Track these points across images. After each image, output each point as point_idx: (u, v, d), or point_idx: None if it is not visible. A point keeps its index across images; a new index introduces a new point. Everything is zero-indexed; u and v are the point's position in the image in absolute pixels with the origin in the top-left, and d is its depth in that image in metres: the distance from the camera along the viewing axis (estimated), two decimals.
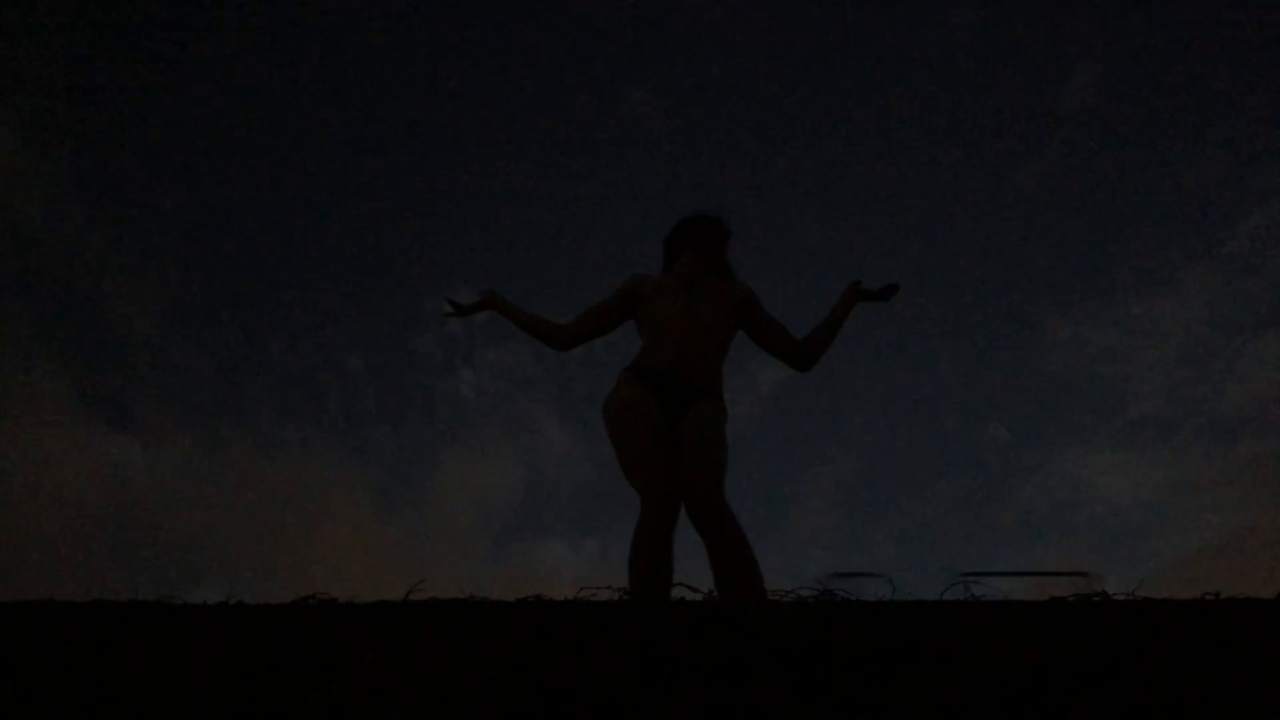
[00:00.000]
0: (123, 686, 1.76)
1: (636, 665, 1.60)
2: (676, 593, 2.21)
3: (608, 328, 2.17)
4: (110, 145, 7.02)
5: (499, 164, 7.50)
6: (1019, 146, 7.06)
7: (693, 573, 2.18)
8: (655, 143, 7.49)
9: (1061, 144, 6.88)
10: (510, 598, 2.33)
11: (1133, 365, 6.79)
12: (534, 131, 7.54)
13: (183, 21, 6.83)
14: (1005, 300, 7.15)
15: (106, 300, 7.04)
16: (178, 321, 7.18)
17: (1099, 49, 6.74)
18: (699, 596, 2.21)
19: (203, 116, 7.14)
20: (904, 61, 7.18)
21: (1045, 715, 1.53)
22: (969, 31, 7.00)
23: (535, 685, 1.69)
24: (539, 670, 1.75)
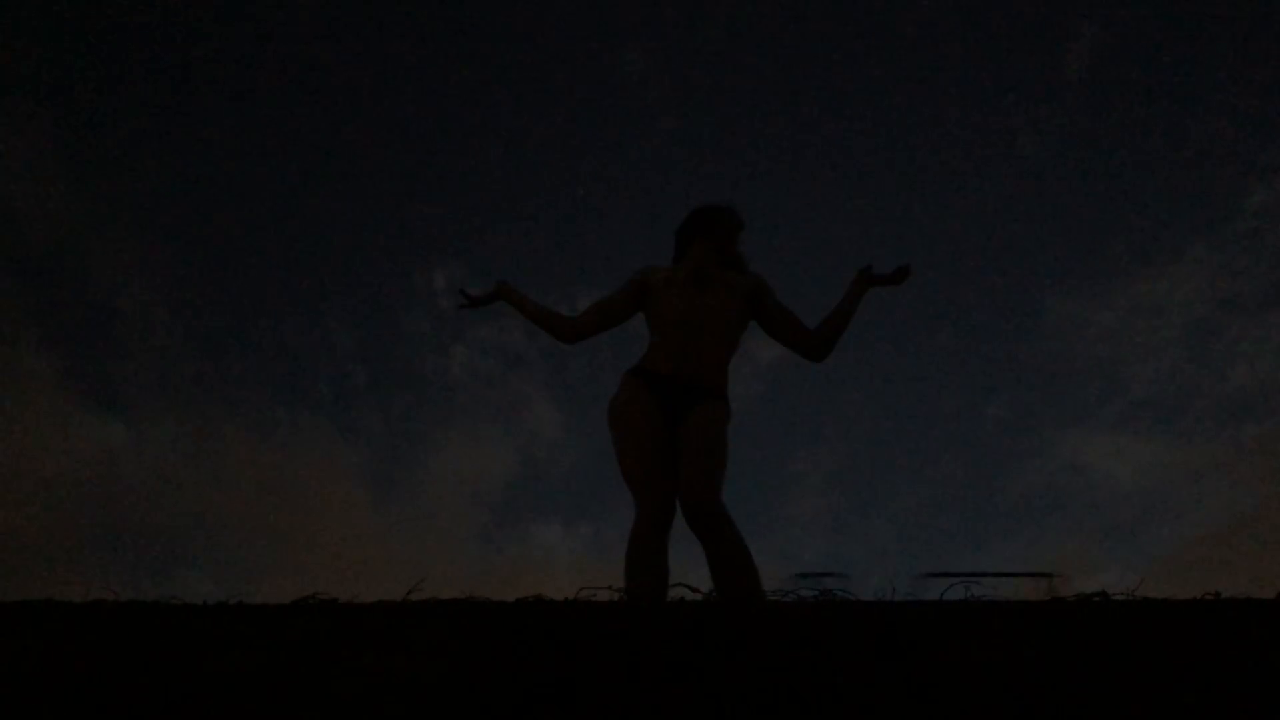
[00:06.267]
0: (123, 686, 1.76)
1: (636, 665, 1.60)
2: (676, 593, 2.21)
3: (617, 320, 2.16)
4: (97, 124, 7.00)
5: (487, 133, 7.47)
6: (1018, 115, 6.99)
7: (693, 573, 2.18)
8: (648, 104, 7.44)
9: (1061, 116, 6.82)
10: (508, 590, 2.33)
11: (1134, 346, 6.76)
12: (523, 97, 7.49)
13: None
14: (1004, 278, 7.11)
15: (92, 279, 7.01)
16: (164, 300, 7.16)
17: (1100, 12, 6.66)
18: (699, 597, 2.21)
19: (190, 95, 7.13)
20: (901, 26, 7.12)
21: (1045, 715, 1.53)
22: None
23: (535, 685, 1.69)
24: (539, 670, 1.75)
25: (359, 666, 1.82)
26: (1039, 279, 7.21)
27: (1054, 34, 6.97)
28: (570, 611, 2.16)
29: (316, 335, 7.44)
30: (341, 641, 1.97)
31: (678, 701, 1.52)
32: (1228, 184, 6.57)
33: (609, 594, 2.26)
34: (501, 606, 2.27)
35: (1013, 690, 1.62)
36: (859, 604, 2.20)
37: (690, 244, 2.16)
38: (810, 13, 7.39)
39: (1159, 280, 6.83)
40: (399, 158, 7.62)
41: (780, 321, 2.10)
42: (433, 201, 7.58)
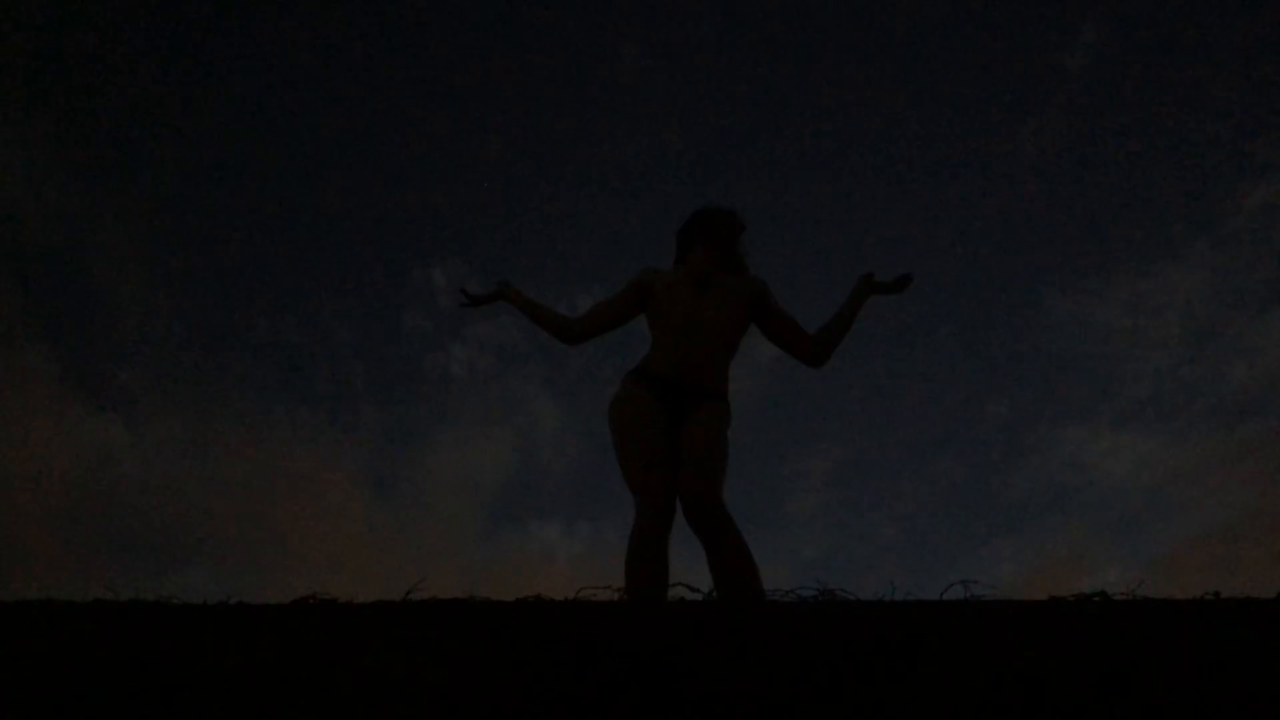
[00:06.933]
0: (123, 686, 1.76)
1: (636, 665, 1.60)
2: (676, 593, 2.21)
3: (619, 322, 2.17)
4: (95, 119, 6.99)
5: (485, 129, 7.45)
6: (1019, 113, 6.97)
7: (693, 573, 2.18)
8: (646, 102, 7.42)
9: (1062, 114, 6.80)
10: (508, 590, 2.33)
11: (1134, 344, 6.75)
12: (521, 94, 7.46)
13: None
14: (1004, 277, 7.10)
15: (91, 275, 7.01)
16: (164, 299, 7.14)
17: (1100, 11, 6.64)
18: (698, 596, 2.21)
19: (188, 90, 7.11)
20: (902, 25, 7.10)
21: (1045, 716, 1.53)
22: None
23: (535, 685, 1.69)
24: (539, 670, 1.75)
25: (359, 666, 1.82)
26: (1039, 277, 7.21)
27: (1055, 32, 6.96)
28: (570, 611, 2.16)
29: (316, 333, 7.44)
30: (341, 641, 1.97)
31: (678, 701, 1.52)
32: (1228, 183, 6.57)
33: (609, 594, 2.26)
34: (501, 606, 2.27)
35: (1013, 690, 1.62)
36: (859, 604, 2.20)
37: (691, 246, 2.17)
38: (810, 11, 7.39)
39: (1159, 279, 6.82)
40: (398, 156, 7.62)
41: (780, 326, 2.10)
42: (432, 199, 7.57)
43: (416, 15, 7.45)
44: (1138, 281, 6.92)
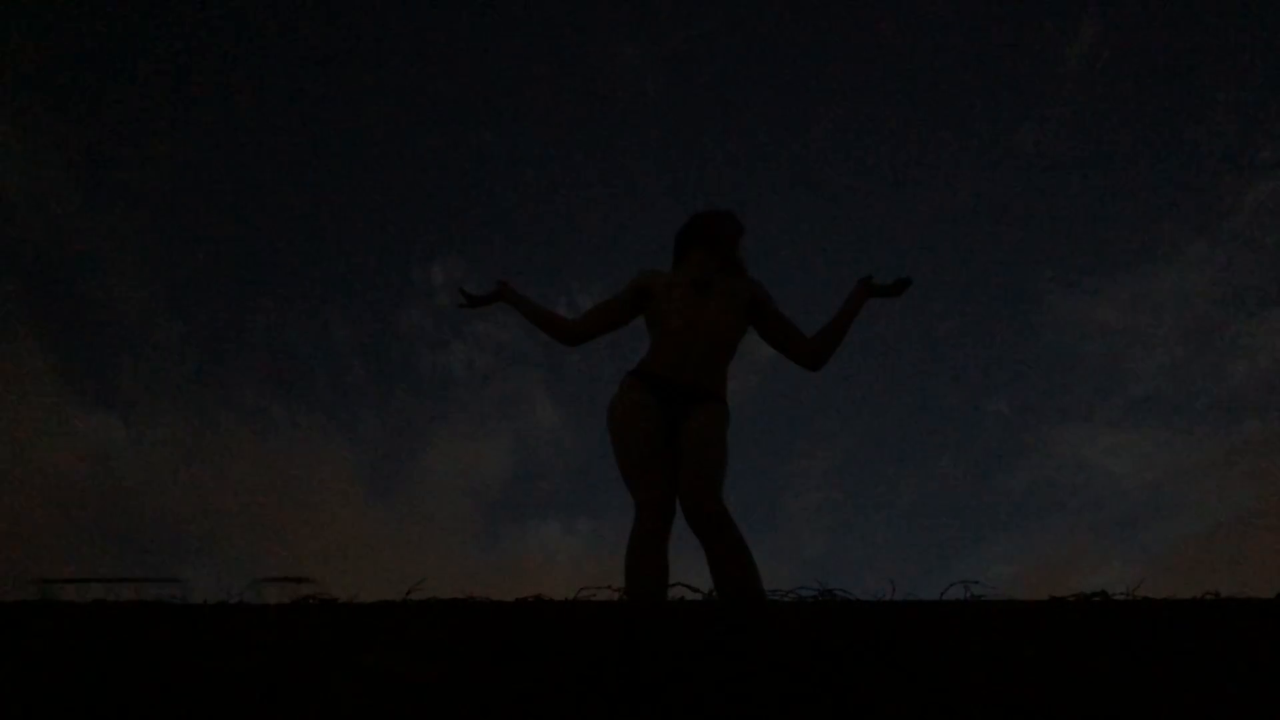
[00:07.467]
0: (123, 686, 1.76)
1: (636, 665, 1.60)
2: (676, 593, 2.21)
3: (617, 324, 2.17)
4: (93, 118, 6.99)
5: (484, 126, 7.45)
6: (1018, 110, 6.97)
7: (693, 573, 2.18)
8: (646, 101, 7.42)
9: (1062, 111, 6.80)
10: (508, 590, 2.33)
11: (1134, 344, 6.76)
12: (520, 92, 7.46)
13: None
14: (1004, 274, 7.10)
15: (88, 273, 7.01)
16: (163, 297, 7.15)
17: (1101, 8, 6.63)
18: (699, 596, 2.21)
19: (186, 89, 7.11)
20: (902, 21, 7.10)
21: (1045, 715, 1.53)
22: None
23: (535, 685, 1.69)
24: (539, 670, 1.75)
25: (359, 666, 1.82)
26: (1039, 275, 7.22)
27: (1055, 29, 6.97)
28: (570, 611, 2.16)
29: (315, 332, 7.45)
30: (341, 641, 1.97)
31: (678, 701, 1.52)
32: (1229, 180, 6.58)
33: (609, 594, 2.26)
34: (501, 606, 2.27)
35: (1013, 690, 1.62)
36: (859, 604, 2.21)
37: (690, 248, 2.17)
38: (809, 8, 7.39)
39: (1160, 276, 6.84)
40: (398, 155, 7.61)
41: (779, 329, 2.11)
42: (431, 197, 7.57)
43: (415, 14, 7.45)
44: (1138, 281, 6.93)
